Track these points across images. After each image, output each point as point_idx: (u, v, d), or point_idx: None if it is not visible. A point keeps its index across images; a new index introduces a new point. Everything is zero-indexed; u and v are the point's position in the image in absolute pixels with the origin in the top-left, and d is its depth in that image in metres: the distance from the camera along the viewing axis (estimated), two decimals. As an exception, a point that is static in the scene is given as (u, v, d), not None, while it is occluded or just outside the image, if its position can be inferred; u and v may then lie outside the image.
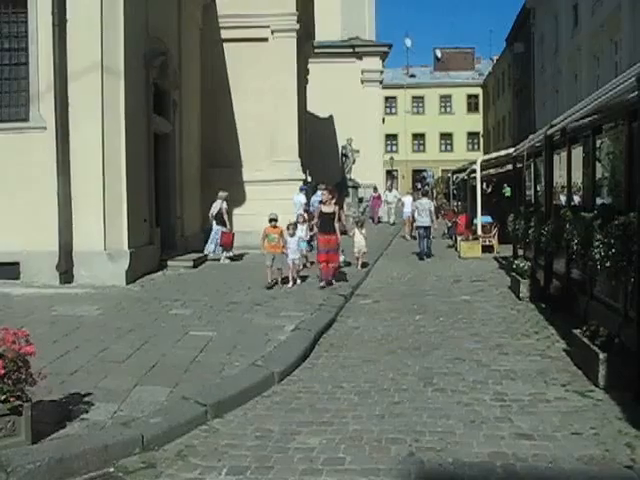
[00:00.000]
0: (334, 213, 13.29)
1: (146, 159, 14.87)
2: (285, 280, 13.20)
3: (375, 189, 33.38)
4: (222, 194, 17.55)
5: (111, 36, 12.79)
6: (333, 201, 13.73)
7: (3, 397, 4.79)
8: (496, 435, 5.49)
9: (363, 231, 15.96)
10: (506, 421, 5.81)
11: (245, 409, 6.25)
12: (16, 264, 12.63)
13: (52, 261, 12.44)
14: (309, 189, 21.23)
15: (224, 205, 17.44)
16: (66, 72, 12.50)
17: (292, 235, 13.45)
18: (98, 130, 12.70)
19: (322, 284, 12.79)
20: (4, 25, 13.00)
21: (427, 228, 19.13)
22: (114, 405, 5.94)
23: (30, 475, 4.62)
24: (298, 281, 13.37)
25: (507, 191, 24.37)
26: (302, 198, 19.68)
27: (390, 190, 33.69)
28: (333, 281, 13.08)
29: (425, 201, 19.86)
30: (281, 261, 13.10)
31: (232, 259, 17.15)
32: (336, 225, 13.16)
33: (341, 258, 14.56)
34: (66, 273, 12.55)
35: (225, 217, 17.36)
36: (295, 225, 13.82)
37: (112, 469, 4.92)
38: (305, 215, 15.76)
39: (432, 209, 19.90)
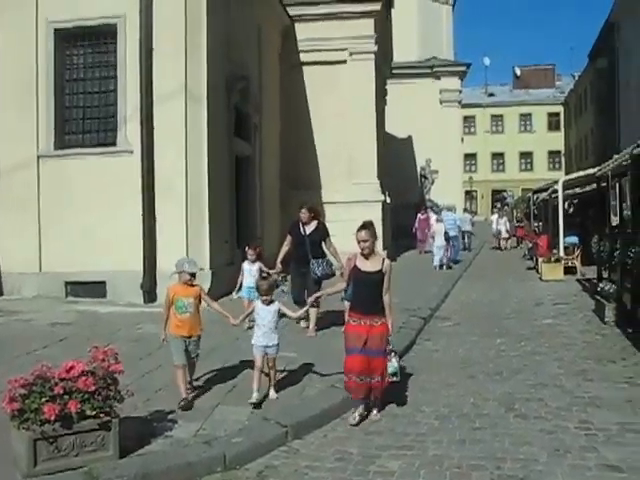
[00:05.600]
0: (382, 274, 6.56)
1: (228, 181, 15.20)
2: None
3: (425, 210, 27.88)
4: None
5: (194, 61, 13.20)
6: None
7: (94, 413, 4.98)
8: (582, 465, 5.33)
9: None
10: (592, 451, 5.63)
11: (325, 431, 6.27)
12: (102, 283, 13.08)
13: (136, 280, 12.81)
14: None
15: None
16: (152, 97, 12.97)
17: (268, 302, 7.03)
18: (181, 152, 13.09)
19: (354, 420, 6.44)
20: (96, 55, 13.66)
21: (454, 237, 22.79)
22: (197, 424, 6.07)
23: (118, 489, 4.77)
24: (272, 393, 6.97)
25: None
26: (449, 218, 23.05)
27: (449, 210, 25.73)
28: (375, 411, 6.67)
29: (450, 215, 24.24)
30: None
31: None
32: (385, 298, 6.61)
33: (394, 365, 6.74)
34: (150, 292, 12.89)
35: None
36: (271, 281, 7.49)
37: (195, 486, 5.02)
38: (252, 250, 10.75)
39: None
